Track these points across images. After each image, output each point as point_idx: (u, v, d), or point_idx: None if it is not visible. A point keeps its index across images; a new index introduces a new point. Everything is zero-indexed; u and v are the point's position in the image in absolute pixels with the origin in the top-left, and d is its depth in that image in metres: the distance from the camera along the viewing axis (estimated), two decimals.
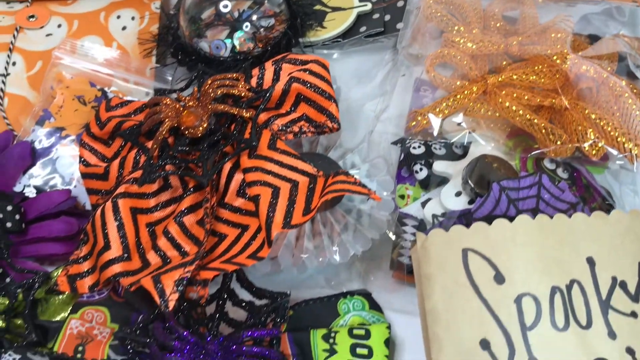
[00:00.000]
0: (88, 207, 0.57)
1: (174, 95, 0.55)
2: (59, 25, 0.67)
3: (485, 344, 0.42)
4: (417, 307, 0.51)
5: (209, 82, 0.53)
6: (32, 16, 0.67)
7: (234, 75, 0.54)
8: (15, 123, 0.61)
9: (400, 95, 0.62)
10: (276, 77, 0.55)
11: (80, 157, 0.57)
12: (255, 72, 0.55)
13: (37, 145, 0.58)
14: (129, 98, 0.59)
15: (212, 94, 0.52)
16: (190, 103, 0.53)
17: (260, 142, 0.50)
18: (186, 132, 0.51)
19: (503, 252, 0.43)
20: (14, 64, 0.64)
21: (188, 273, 0.45)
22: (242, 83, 0.53)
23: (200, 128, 0.51)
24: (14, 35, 0.66)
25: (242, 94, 0.53)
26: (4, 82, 0.63)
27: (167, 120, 0.52)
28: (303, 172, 0.50)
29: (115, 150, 0.57)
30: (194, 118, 0.51)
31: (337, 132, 0.55)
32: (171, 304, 0.43)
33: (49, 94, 0.61)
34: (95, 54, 0.64)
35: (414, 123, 0.54)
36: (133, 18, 0.68)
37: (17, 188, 0.57)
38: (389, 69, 0.65)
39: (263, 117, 0.53)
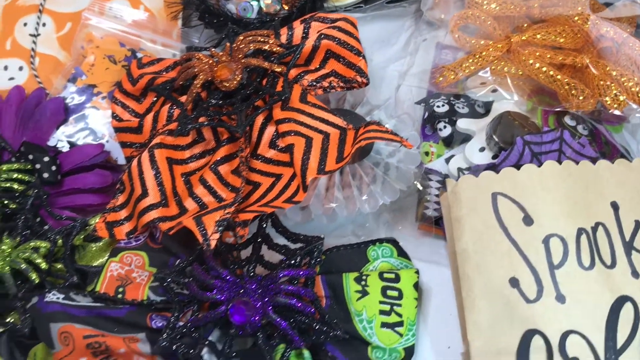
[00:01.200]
0: (120, 161, 0.59)
1: (206, 53, 0.56)
2: None
3: (514, 282, 0.44)
4: (442, 257, 0.53)
5: (241, 38, 0.55)
6: None
7: (265, 32, 0.56)
8: (47, 82, 0.63)
9: (422, 58, 0.64)
10: (305, 35, 0.56)
11: (113, 113, 0.59)
12: (284, 30, 0.57)
13: (70, 102, 0.60)
14: (158, 58, 0.61)
15: (244, 49, 0.54)
16: (223, 58, 0.54)
17: (291, 95, 0.52)
18: (220, 85, 0.53)
19: (531, 196, 0.45)
20: (44, 25, 0.66)
21: (228, 215, 0.46)
22: (273, 39, 0.55)
23: (234, 81, 0.53)
24: None
25: (273, 50, 0.54)
26: (34, 42, 0.64)
27: (201, 74, 0.53)
28: (333, 125, 0.51)
29: (147, 107, 0.59)
30: (228, 71, 0.53)
31: (363, 89, 0.57)
32: (213, 243, 0.45)
33: (79, 54, 0.63)
34: (123, 16, 0.65)
35: (441, 78, 0.56)
36: None
37: (51, 142, 0.58)
38: (410, 33, 0.67)
39: (293, 72, 0.54)
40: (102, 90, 0.60)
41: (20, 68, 0.63)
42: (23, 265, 0.48)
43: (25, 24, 0.65)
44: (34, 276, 0.48)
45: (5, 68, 0.63)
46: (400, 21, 0.69)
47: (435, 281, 0.52)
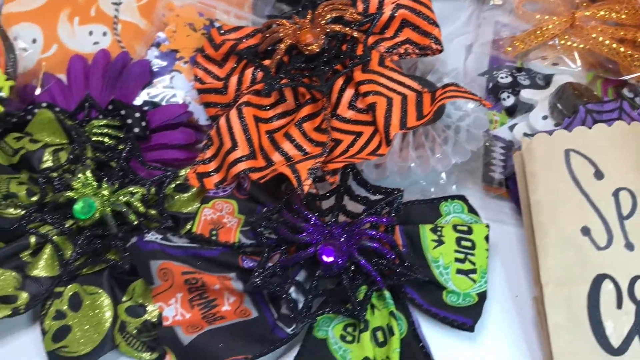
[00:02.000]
0: (201, 121, 0.62)
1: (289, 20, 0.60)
2: None
3: (585, 231, 0.47)
4: (506, 216, 0.57)
5: (322, 6, 0.58)
6: None
7: (344, 1, 0.59)
8: (129, 47, 0.66)
9: (482, 34, 0.68)
10: (380, 5, 0.60)
11: (195, 76, 0.63)
12: (360, 1, 0.60)
13: (154, 65, 0.64)
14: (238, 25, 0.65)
15: (326, 16, 0.57)
16: (306, 24, 0.58)
17: (371, 59, 0.56)
18: (303, 49, 0.57)
19: (602, 152, 0.49)
20: None
21: (318, 164, 0.50)
22: (352, 8, 0.59)
23: (317, 45, 0.56)
24: None
25: (353, 18, 0.58)
26: (117, 10, 0.68)
27: (286, 38, 0.57)
28: (410, 88, 0.55)
29: (228, 71, 0.62)
30: (312, 36, 0.56)
31: (432, 60, 0.60)
32: (306, 188, 0.48)
33: (161, 21, 0.66)
34: None
35: (509, 48, 0.59)
36: None
37: (137, 103, 0.62)
38: (471, 12, 0.70)
39: (370, 40, 0.58)
40: (184, 55, 0.64)
41: (104, 33, 0.67)
42: (123, 208, 0.52)
43: None
44: (132, 218, 0.52)
45: (90, 33, 0.67)
46: (458, 1, 0.73)
47: (499, 238, 0.55)
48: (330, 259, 0.48)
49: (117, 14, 0.68)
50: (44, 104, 0.60)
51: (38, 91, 0.63)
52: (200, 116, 0.62)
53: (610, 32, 0.58)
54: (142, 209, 0.52)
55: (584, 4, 0.63)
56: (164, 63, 0.64)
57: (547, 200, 0.48)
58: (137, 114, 0.58)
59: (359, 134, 0.54)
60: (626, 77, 0.57)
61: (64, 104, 0.62)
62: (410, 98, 0.54)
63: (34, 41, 0.66)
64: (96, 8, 0.69)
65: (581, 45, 0.59)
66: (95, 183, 0.53)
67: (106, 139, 0.58)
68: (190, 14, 0.67)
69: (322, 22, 0.57)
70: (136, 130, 0.58)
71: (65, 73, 0.65)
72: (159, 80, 0.63)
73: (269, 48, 0.59)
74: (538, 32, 0.59)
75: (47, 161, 0.56)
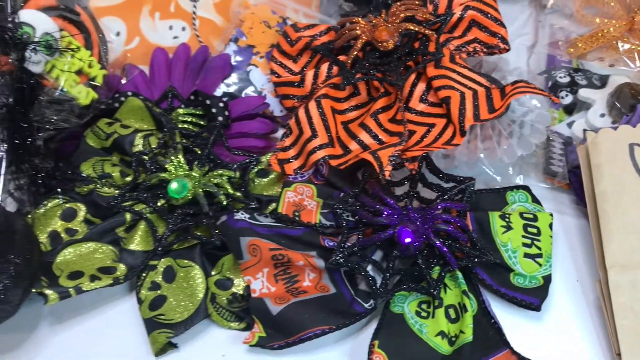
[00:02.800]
0: (275, 113, 0.66)
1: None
2: None
3: None
4: (565, 207, 0.60)
5: (396, 5, 0.62)
6: None
7: (415, 1, 0.63)
8: (206, 42, 0.71)
9: (540, 36, 0.71)
10: (449, 6, 0.63)
11: (271, 70, 0.67)
12: (429, 1, 0.64)
13: (232, 59, 0.68)
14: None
15: (400, 15, 0.61)
16: (381, 23, 0.62)
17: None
18: (379, 45, 0.61)
19: None
20: None
21: (398, 152, 0.54)
22: (423, 8, 0.62)
23: (392, 42, 0.60)
24: None
25: (425, 18, 0.62)
26: (195, 7, 0.73)
27: (363, 35, 0.61)
28: (479, 84, 0.59)
29: (302, 65, 0.66)
30: (388, 33, 0.60)
31: (495, 59, 0.64)
32: (387, 174, 0.52)
33: (237, 18, 0.71)
34: None
35: (572, 50, 0.63)
36: None
37: (217, 93, 0.66)
38: (528, 15, 0.74)
39: (441, 38, 0.62)
40: (260, 50, 0.68)
41: (183, 28, 0.72)
42: (214, 189, 0.56)
43: None
44: (222, 198, 0.56)
45: (170, 28, 0.72)
46: (514, 3, 0.76)
47: (559, 226, 0.59)
48: (409, 240, 0.52)
49: (195, 10, 0.73)
50: (129, 93, 0.65)
51: (123, 81, 0.67)
52: (274, 108, 0.67)
53: None
54: (230, 190, 0.57)
55: (637, 9, 0.66)
56: (242, 58, 0.68)
57: (611, 190, 0.52)
58: (221, 104, 0.62)
59: (431, 126, 0.58)
60: None
61: (147, 94, 0.66)
62: (481, 93, 0.57)
63: (118, 34, 0.71)
64: (175, 4, 0.73)
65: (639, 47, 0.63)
66: (186, 166, 0.57)
67: (190, 127, 0.63)
68: (264, 11, 0.71)
69: (396, 20, 0.61)
70: (220, 119, 0.62)
71: (146, 64, 0.69)
72: (237, 74, 0.67)
73: (344, 44, 0.63)
74: (600, 34, 0.62)
75: (138, 145, 0.60)
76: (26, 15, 0.56)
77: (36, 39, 0.56)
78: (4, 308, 0.48)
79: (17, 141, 0.54)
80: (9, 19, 0.54)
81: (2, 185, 0.53)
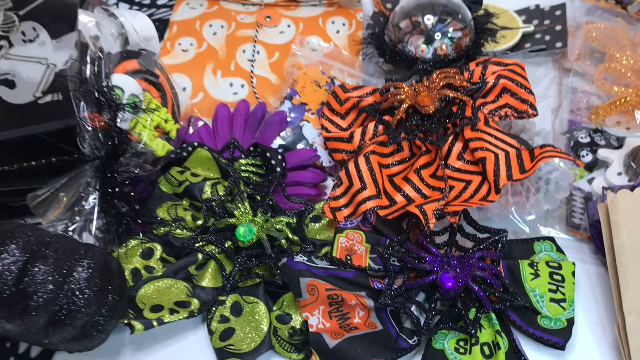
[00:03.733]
0: (325, 164, 0.74)
1: (407, 83, 0.72)
2: (289, 25, 0.85)
3: None
4: (585, 256, 0.67)
5: (437, 73, 0.70)
6: (268, 17, 0.85)
7: (452, 70, 0.71)
8: (262, 98, 0.79)
9: (563, 98, 0.79)
10: (483, 74, 0.71)
11: (322, 126, 0.75)
12: (466, 69, 0.72)
13: (287, 115, 0.76)
14: (358, 85, 0.77)
15: (440, 82, 0.69)
16: (422, 88, 0.70)
17: None
18: (420, 109, 0.68)
19: None
20: (257, 52, 0.82)
21: (441, 206, 0.61)
22: (460, 76, 0.70)
23: (432, 107, 0.68)
24: (256, 31, 0.84)
25: (462, 85, 0.70)
26: (252, 66, 0.81)
27: (407, 99, 0.69)
28: (511, 145, 0.66)
29: (349, 122, 0.74)
30: (429, 99, 0.68)
31: (524, 120, 0.72)
32: (431, 225, 0.60)
33: (290, 77, 0.79)
34: (319, 49, 0.82)
35: (593, 116, 0.70)
36: (343, 24, 0.86)
37: (273, 146, 0.74)
38: (552, 78, 0.82)
39: (476, 103, 0.70)
40: (311, 107, 0.76)
41: (242, 85, 0.80)
42: (276, 234, 0.64)
43: (244, 51, 0.82)
44: (283, 242, 0.64)
45: (230, 84, 0.80)
46: (539, 67, 0.84)
47: (581, 273, 0.66)
48: (450, 284, 0.59)
49: (252, 69, 0.81)
50: (196, 143, 0.73)
51: (191, 130, 0.76)
52: (324, 159, 0.74)
53: None
54: (290, 234, 0.64)
55: None
56: (296, 114, 0.76)
57: (629, 244, 0.59)
58: (279, 156, 0.70)
59: (468, 182, 0.65)
60: None
61: (210, 144, 0.74)
62: (512, 154, 0.65)
63: (184, 89, 0.79)
64: (235, 64, 0.82)
65: None
66: (251, 212, 0.65)
67: (251, 175, 0.71)
68: (314, 72, 0.79)
69: (436, 87, 0.69)
70: (278, 169, 0.70)
71: (209, 117, 0.77)
72: (291, 128, 0.75)
73: (389, 106, 0.71)
74: (618, 102, 0.70)
75: (207, 192, 0.68)
76: (117, 79, 0.65)
77: (125, 100, 0.64)
78: (100, 337, 0.55)
79: (106, 189, 0.62)
80: (104, 83, 0.63)
81: (94, 227, 0.61)
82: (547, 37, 0.85)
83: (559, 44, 0.83)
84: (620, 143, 0.73)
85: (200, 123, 0.76)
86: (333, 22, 0.86)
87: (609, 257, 0.61)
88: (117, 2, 0.96)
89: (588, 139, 0.73)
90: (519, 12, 0.89)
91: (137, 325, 0.58)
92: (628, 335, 0.57)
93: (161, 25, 0.88)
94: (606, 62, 0.75)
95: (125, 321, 0.58)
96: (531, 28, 0.86)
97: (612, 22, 0.81)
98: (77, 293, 0.52)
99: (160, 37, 0.84)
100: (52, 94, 0.64)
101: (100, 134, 0.62)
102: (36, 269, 0.51)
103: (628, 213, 0.60)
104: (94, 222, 0.61)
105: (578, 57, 0.78)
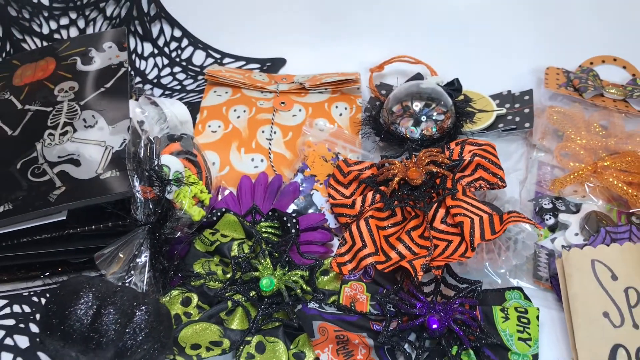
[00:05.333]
0: (331, 226, 0.88)
1: (398, 159, 0.87)
2: (300, 110, 1.01)
3: (605, 314, 0.71)
4: (550, 303, 0.80)
5: (423, 152, 0.85)
6: (283, 102, 1.02)
7: (435, 149, 0.87)
8: (279, 171, 0.94)
9: (530, 171, 0.94)
10: (461, 152, 0.87)
11: (328, 194, 0.90)
12: (447, 148, 0.87)
13: (300, 186, 0.91)
14: (358, 159, 0.92)
15: (426, 159, 0.84)
16: (411, 164, 0.85)
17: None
18: (410, 181, 0.83)
19: (616, 262, 0.73)
20: (274, 132, 0.98)
21: (427, 261, 0.75)
22: (442, 154, 0.85)
23: (420, 179, 0.83)
24: (273, 114, 1.00)
25: (444, 161, 0.85)
26: (270, 144, 0.97)
27: (399, 173, 0.84)
28: (484, 211, 0.81)
29: (352, 191, 0.89)
30: (417, 174, 0.83)
31: (496, 191, 0.86)
32: (420, 277, 0.74)
33: (302, 153, 0.94)
34: (325, 129, 0.98)
35: (552, 187, 0.85)
36: (346, 108, 1.02)
37: (288, 211, 0.89)
38: (521, 154, 0.97)
39: (456, 176, 0.84)
40: (319, 178, 0.91)
41: (262, 160, 0.95)
42: (293, 285, 0.77)
43: (263, 131, 0.98)
44: (299, 292, 0.77)
45: (252, 159, 0.95)
46: (511, 143, 1.00)
47: (545, 317, 0.79)
48: (435, 326, 0.73)
49: (270, 147, 0.97)
50: (224, 209, 0.87)
51: (219, 198, 0.90)
52: (331, 222, 0.89)
53: (622, 177, 0.84)
54: (304, 285, 0.78)
55: (604, 155, 0.89)
56: (307, 184, 0.91)
57: (579, 293, 0.73)
58: (294, 220, 0.85)
59: (449, 242, 0.80)
60: (633, 210, 0.83)
61: (235, 209, 0.89)
62: (485, 219, 0.79)
63: (214, 164, 0.94)
64: (256, 142, 0.97)
65: (601, 185, 0.85)
66: (272, 267, 0.79)
67: (270, 236, 0.85)
68: (322, 149, 0.95)
69: (423, 163, 0.84)
70: (293, 231, 0.84)
71: (234, 187, 0.92)
72: (303, 196, 0.90)
73: (385, 179, 0.86)
74: (572, 176, 0.85)
75: (234, 250, 0.82)
76: (165, 159, 0.80)
77: (171, 177, 0.79)
78: None
79: (155, 248, 0.76)
80: (155, 162, 0.78)
81: (145, 279, 0.75)
82: (517, 119, 1.01)
83: (527, 125, 0.99)
84: (577, 209, 0.88)
85: (227, 192, 0.91)
86: (337, 107, 1.03)
87: (565, 303, 0.74)
88: (152, 88, 1.12)
89: (551, 205, 0.88)
90: (493, 97, 1.05)
91: None
92: None
93: (190, 108, 1.04)
94: (564, 141, 0.91)
95: (171, 357, 0.71)
96: (504, 111, 1.02)
97: (571, 107, 0.98)
98: (138, 332, 0.66)
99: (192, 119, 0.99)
100: (110, 171, 0.79)
101: (150, 204, 0.77)
102: (106, 312, 0.65)
103: (578, 267, 0.74)
104: (146, 275, 0.75)
105: (542, 136, 0.94)
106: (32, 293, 0.82)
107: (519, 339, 0.74)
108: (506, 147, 0.98)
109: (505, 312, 0.76)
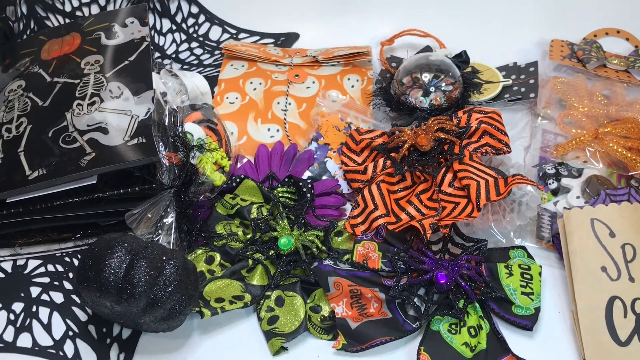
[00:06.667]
0: (344, 191, 0.93)
1: (408, 127, 0.91)
2: (313, 82, 1.06)
3: (603, 268, 0.76)
4: (552, 261, 0.85)
5: (432, 119, 0.90)
6: (297, 75, 1.06)
7: (444, 117, 0.91)
8: (294, 140, 0.99)
9: (534, 138, 0.98)
10: (468, 120, 0.91)
11: (342, 161, 0.94)
12: (455, 116, 0.92)
13: (314, 154, 0.95)
14: (370, 128, 0.96)
15: (435, 127, 0.89)
16: (421, 131, 0.89)
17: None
18: (419, 147, 0.88)
19: (614, 220, 0.78)
20: (289, 104, 1.03)
21: (435, 221, 0.80)
22: (450, 122, 0.90)
23: (429, 146, 0.87)
24: (287, 86, 1.04)
25: (452, 128, 0.89)
26: (285, 114, 1.01)
27: (409, 140, 0.88)
28: (490, 175, 0.85)
29: (364, 158, 0.94)
30: (426, 140, 0.87)
31: (501, 156, 0.91)
32: (429, 236, 0.78)
33: (316, 123, 0.99)
34: (338, 100, 1.02)
35: (554, 152, 0.90)
36: (357, 80, 1.07)
37: (304, 177, 0.93)
38: (526, 122, 1.01)
39: (463, 142, 0.89)
40: (333, 147, 0.96)
41: (277, 130, 1.00)
42: (309, 244, 0.82)
43: (278, 103, 1.03)
44: (315, 250, 0.82)
45: (268, 129, 1.00)
46: (516, 113, 1.04)
47: (547, 274, 0.84)
48: (443, 281, 0.77)
49: (285, 117, 1.01)
50: (243, 176, 0.92)
51: (238, 165, 0.95)
52: (344, 187, 0.93)
53: (622, 142, 0.88)
54: (320, 245, 0.83)
55: (605, 122, 0.93)
56: (321, 152, 0.96)
57: (579, 249, 0.77)
58: (309, 185, 0.89)
59: (457, 204, 0.84)
60: (632, 173, 0.87)
61: (253, 176, 0.94)
62: (491, 182, 0.84)
63: (232, 133, 0.99)
64: (271, 113, 1.02)
65: (602, 150, 0.89)
66: (289, 228, 0.84)
67: (287, 200, 0.90)
68: (334, 119, 0.99)
69: (432, 130, 0.89)
70: (308, 195, 0.89)
71: (251, 155, 0.97)
72: (318, 163, 0.95)
73: (395, 145, 0.90)
74: (574, 141, 0.89)
75: (254, 213, 0.87)
76: (188, 126, 0.85)
77: (194, 143, 0.84)
78: (180, 318, 0.74)
79: (180, 210, 0.81)
80: (179, 130, 0.83)
81: (172, 238, 0.80)
82: (523, 89, 1.05)
83: (532, 95, 1.03)
84: (579, 173, 0.92)
85: (245, 160, 0.96)
86: (349, 79, 1.07)
87: (566, 259, 0.79)
88: (170, 63, 1.17)
89: (554, 171, 0.92)
90: (500, 69, 1.09)
91: (207, 311, 0.77)
92: (579, 317, 0.75)
93: (208, 81, 1.09)
94: (567, 109, 0.95)
95: (197, 308, 0.77)
96: (509, 82, 1.06)
97: (574, 77, 1.01)
98: (167, 284, 0.71)
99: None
100: (137, 138, 0.84)
101: (175, 168, 0.82)
102: (138, 265, 0.70)
103: (579, 225, 0.78)
104: (172, 235, 0.80)
105: (546, 105, 0.98)
106: (64, 254, 0.88)
107: (522, 293, 0.79)
108: (512, 117, 1.02)
109: (509, 269, 0.80)
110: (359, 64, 1.09)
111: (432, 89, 0.99)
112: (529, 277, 0.80)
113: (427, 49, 1.12)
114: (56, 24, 1.18)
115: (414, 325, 0.77)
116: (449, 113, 0.93)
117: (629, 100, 0.95)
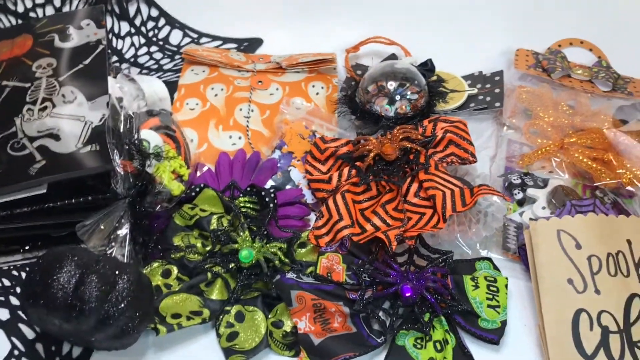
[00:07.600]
0: (308, 201, 0.91)
1: (374, 136, 0.89)
2: (277, 88, 1.03)
3: (570, 281, 0.75)
4: (518, 273, 0.84)
5: (398, 128, 0.88)
6: (260, 81, 1.03)
7: (409, 126, 0.89)
8: (257, 148, 0.96)
9: (500, 148, 0.98)
10: (434, 129, 0.89)
11: (306, 170, 0.92)
12: (421, 125, 0.90)
13: (278, 162, 0.92)
14: (334, 137, 0.94)
15: (400, 136, 0.87)
16: (386, 140, 0.87)
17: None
18: (385, 157, 0.86)
19: (580, 232, 0.77)
20: (252, 110, 1.00)
21: (401, 232, 0.78)
22: (416, 131, 0.88)
23: (394, 155, 0.86)
24: (250, 93, 1.01)
25: (417, 138, 0.87)
26: (248, 121, 0.98)
27: (374, 149, 0.86)
28: (455, 185, 0.84)
29: (329, 167, 0.91)
30: (392, 149, 0.86)
31: (467, 166, 0.90)
32: (394, 248, 0.76)
33: (280, 131, 0.96)
34: (302, 107, 0.99)
35: (520, 162, 0.89)
36: (322, 87, 1.04)
37: (267, 186, 0.90)
38: (491, 132, 1.00)
39: (428, 152, 0.87)
40: (297, 155, 0.93)
41: (240, 137, 0.97)
42: (271, 256, 0.79)
43: (240, 109, 1.00)
44: (277, 263, 0.79)
45: (230, 137, 0.97)
46: (482, 122, 1.03)
47: (513, 286, 0.82)
48: (408, 294, 0.75)
49: (248, 124, 0.98)
50: (203, 185, 0.89)
51: (198, 174, 0.92)
52: (308, 197, 0.91)
53: (587, 153, 0.88)
54: (282, 257, 0.80)
55: (570, 132, 0.93)
56: (284, 161, 0.93)
57: (546, 261, 0.76)
58: (272, 195, 0.86)
59: (422, 214, 0.82)
60: (597, 184, 0.87)
61: (214, 185, 0.90)
62: (456, 192, 0.82)
63: (192, 140, 0.96)
64: (233, 120, 0.99)
65: (568, 161, 0.89)
66: (250, 239, 0.81)
67: (249, 210, 0.87)
68: (299, 127, 0.97)
69: (397, 139, 0.87)
70: (271, 205, 0.86)
71: (212, 163, 0.94)
72: (281, 172, 0.92)
73: (361, 154, 0.88)
74: (539, 151, 0.88)
75: (214, 224, 0.84)
76: (144, 133, 0.81)
77: (151, 151, 0.80)
78: (134, 336, 0.70)
79: (135, 221, 0.78)
80: (135, 137, 0.79)
81: (126, 251, 0.76)
82: (488, 98, 1.04)
83: (497, 104, 1.02)
84: (544, 183, 0.91)
85: (205, 168, 0.92)
86: (313, 86, 1.04)
87: (532, 271, 0.78)
88: (128, 67, 1.13)
89: (519, 181, 0.91)
90: (465, 78, 1.08)
91: (162, 328, 0.73)
92: (546, 330, 0.73)
93: (167, 87, 1.05)
94: (532, 119, 0.94)
95: (152, 325, 0.73)
96: (475, 91, 1.05)
97: (539, 87, 1.01)
98: (120, 299, 0.67)
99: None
100: (90, 145, 0.80)
101: (130, 177, 0.78)
102: (89, 280, 0.66)
103: (545, 237, 0.77)
104: (126, 247, 0.76)
105: (511, 114, 0.97)
106: (11, 267, 0.83)
107: (489, 306, 0.77)
108: (477, 126, 1.01)
109: (475, 281, 0.79)
110: (324, 71, 1.07)
111: (397, 97, 0.97)
112: (495, 289, 0.79)
113: (393, 56, 1.10)
114: (8, 25, 1.13)
115: (378, 340, 0.75)
116: (415, 122, 0.91)
117: (593, 110, 0.95)
